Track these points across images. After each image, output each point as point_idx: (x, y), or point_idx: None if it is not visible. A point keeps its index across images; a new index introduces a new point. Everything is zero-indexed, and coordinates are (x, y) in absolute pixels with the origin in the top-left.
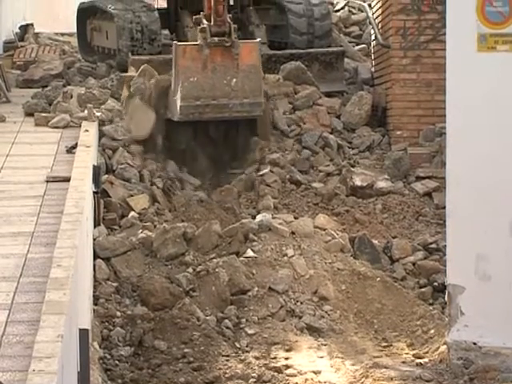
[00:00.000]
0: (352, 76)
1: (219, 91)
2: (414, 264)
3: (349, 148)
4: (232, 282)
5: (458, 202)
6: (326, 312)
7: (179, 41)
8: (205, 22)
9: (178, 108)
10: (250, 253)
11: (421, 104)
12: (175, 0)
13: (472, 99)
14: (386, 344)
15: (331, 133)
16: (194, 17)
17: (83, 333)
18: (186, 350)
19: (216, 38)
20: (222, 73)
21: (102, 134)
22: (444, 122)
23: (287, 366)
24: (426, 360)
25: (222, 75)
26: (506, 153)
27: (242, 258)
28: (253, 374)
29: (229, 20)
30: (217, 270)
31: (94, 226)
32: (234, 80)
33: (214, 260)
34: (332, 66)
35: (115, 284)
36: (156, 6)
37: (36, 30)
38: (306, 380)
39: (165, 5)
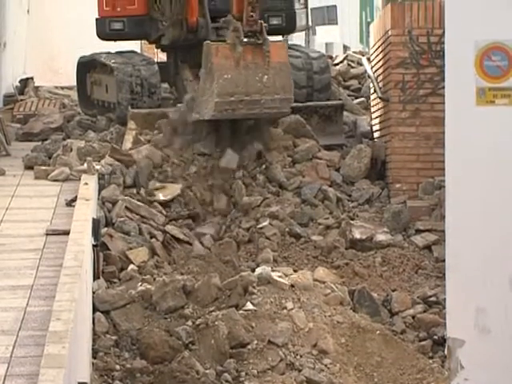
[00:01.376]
0: (351, 129)
1: (252, 87)
2: (413, 317)
3: (348, 201)
4: (231, 335)
5: (457, 256)
6: (326, 365)
7: (179, 94)
8: (236, 22)
9: (214, 104)
10: (249, 306)
11: (420, 157)
12: (175, 54)
13: (471, 153)
14: None
15: (330, 186)
16: (222, 19)
17: None
18: None
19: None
20: (254, 70)
21: (101, 187)
22: (443, 175)
23: None
24: None
25: (254, 72)
26: (505, 207)
27: (241, 311)
28: None
29: (259, 20)
30: (216, 323)
31: (94, 279)
32: (266, 77)
33: (214, 313)
34: (331, 119)
35: (114, 337)
36: (156, 60)
37: (36, 84)
38: None
39: (165, 58)
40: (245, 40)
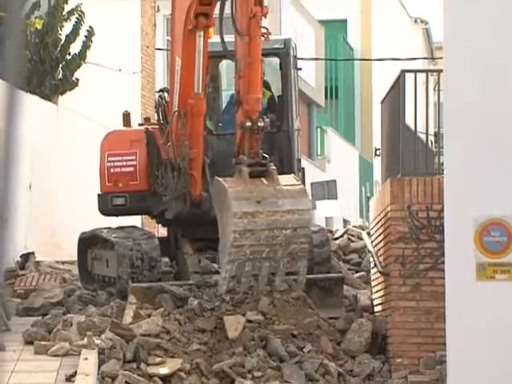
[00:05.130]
0: (352, 303)
1: (266, 193)
2: None
3: (349, 376)
4: None
5: None
6: None
7: (179, 268)
8: (239, 156)
9: (232, 212)
10: None
11: (421, 332)
12: (175, 228)
13: (472, 327)
14: None
15: (331, 360)
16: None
17: None
18: None
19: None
20: (264, 185)
21: (101, 362)
22: (444, 349)
23: None
24: None
25: (266, 186)
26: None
27: None
28: None
29: (261, 152)
30: None
31: None
32: (278, 187)
33: None
34: (331, 292)
35: None
36: (157, 235)
37: (37, 259)
38: None
39: (165, 233)
40: (250, 171)
